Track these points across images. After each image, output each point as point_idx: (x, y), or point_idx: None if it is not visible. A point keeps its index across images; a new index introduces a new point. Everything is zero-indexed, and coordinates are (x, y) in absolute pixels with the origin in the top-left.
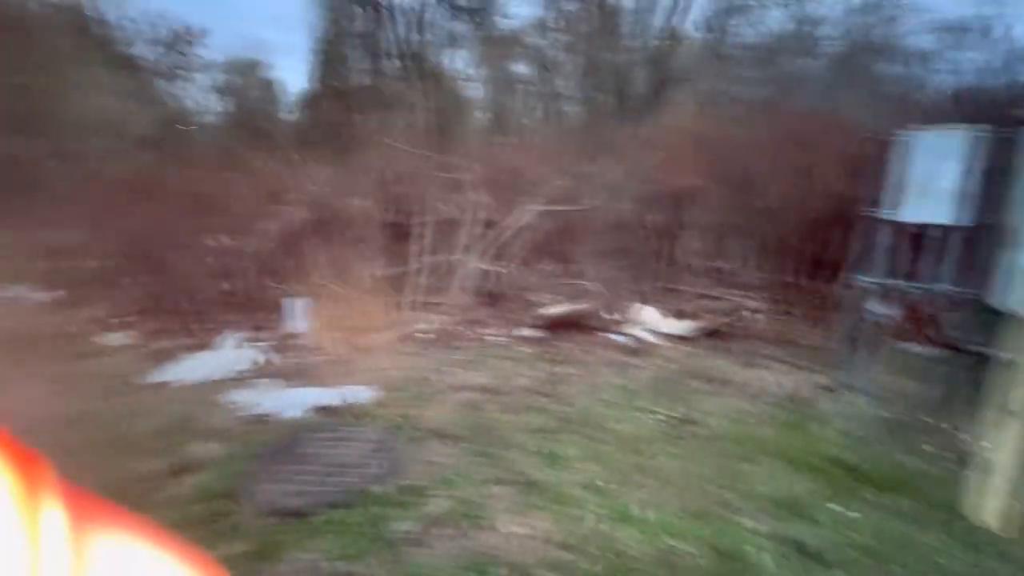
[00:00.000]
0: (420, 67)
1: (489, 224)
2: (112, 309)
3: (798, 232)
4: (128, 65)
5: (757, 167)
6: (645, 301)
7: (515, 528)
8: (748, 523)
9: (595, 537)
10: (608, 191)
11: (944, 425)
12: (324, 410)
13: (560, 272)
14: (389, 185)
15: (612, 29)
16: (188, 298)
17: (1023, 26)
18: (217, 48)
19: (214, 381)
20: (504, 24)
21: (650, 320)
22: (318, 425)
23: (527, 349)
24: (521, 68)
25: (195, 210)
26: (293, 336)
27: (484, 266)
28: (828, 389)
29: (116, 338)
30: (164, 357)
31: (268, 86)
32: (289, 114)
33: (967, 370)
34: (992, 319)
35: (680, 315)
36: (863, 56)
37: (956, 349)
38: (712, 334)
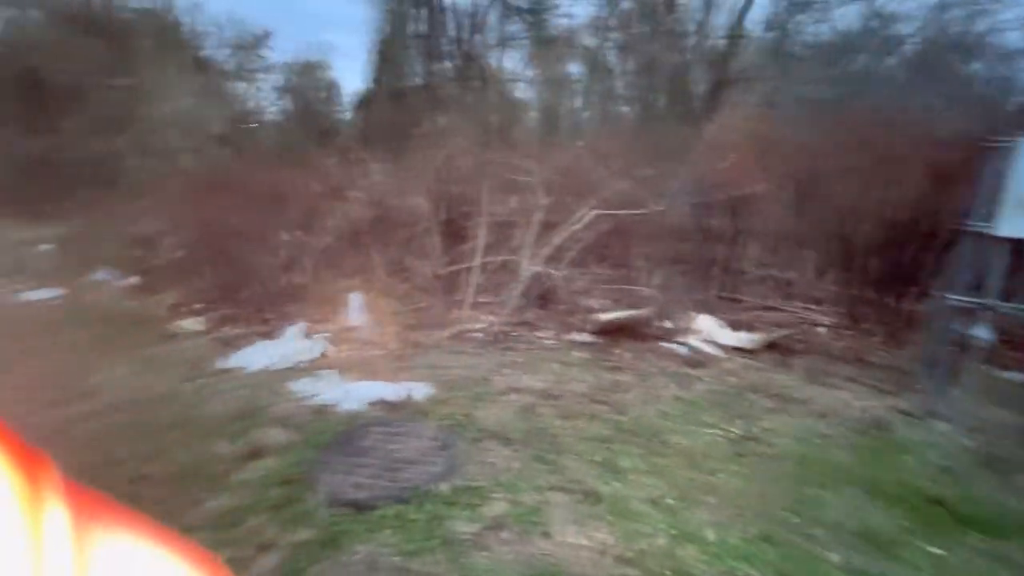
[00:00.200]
0: (475, 68)
1: (544, 225)
2: (187, 296)
3: (871, 243)
4: (203, 67)
5: (826, 172)
6: (703, 310)
7: (575, 538)
8: (821, 552)
9: (656, 553)
10: (665, 195)
11: None
12: (383, 404)
13: (615, 277)
14: (445, 184)
15: (670, 28)
16: (254, 288)
17: None
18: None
19: (278, 369)
20: (559, 24)
21: (708, 330)
22: (377, 419)
23: (581, 354)
24: (576, 68)
25: (261, 204)
26: (351, 329)
27: (538, 268)
28: (908, 415)
29: (190, 323)
30: (233, 344)
31: (328, 86)
32: (348, 114)
33: None
34: None
35: (740, 326)
36: (944, 55)
37: None
38: (775, 347)
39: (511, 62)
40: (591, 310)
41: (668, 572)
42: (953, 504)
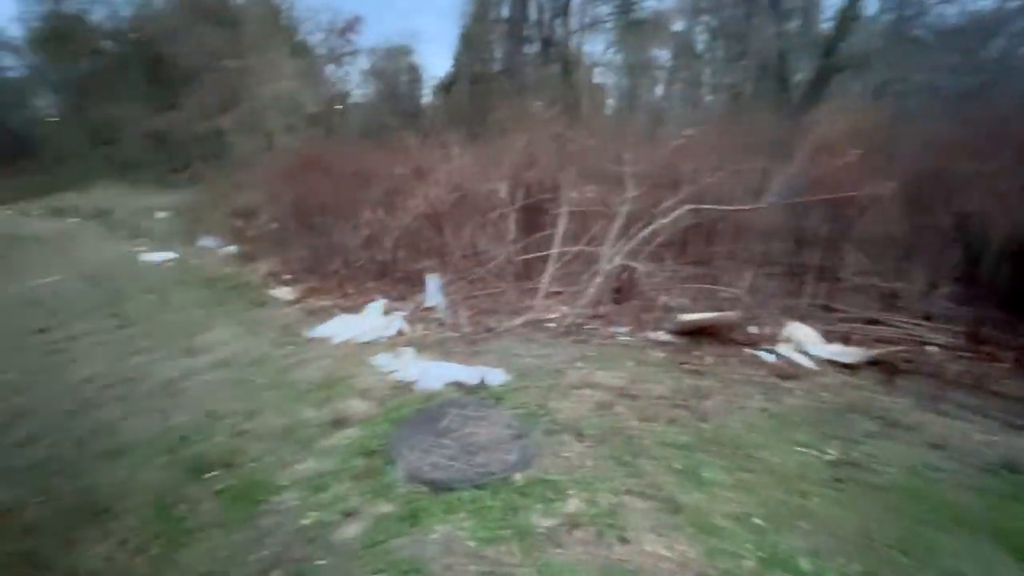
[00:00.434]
0: (558, 52)
1: (625, 217)
2: (279, 266)
3: (1001, 254)
4: (300, 51)
5: (949, 172)
6: (796, 318)
7: (656, 548)
8: None
9: None
10: (758, 191)
11: None
12: (460, 386)
13: (697, 275)
14: (525, 170)
15: (772, 10)
16: (340, 262)
17: None
18: (371, 35)
19: (360, 343)
20: (647, 6)
21: (804, 340)
22: (455, 401)
23: (661, 354)
24: (664, 54)
25: (347, 183)
26: (429, 309)
27: (617, 260)
28: None
29: (281, 292)
30: (318, 314)
31: (413, 70)
32: (431, 97)
33: None
34: None
35: (838, 338)
36: None
37: None
38: (881, 366)
39: (596, 47)
40: (671, 308)
41: None
42: None
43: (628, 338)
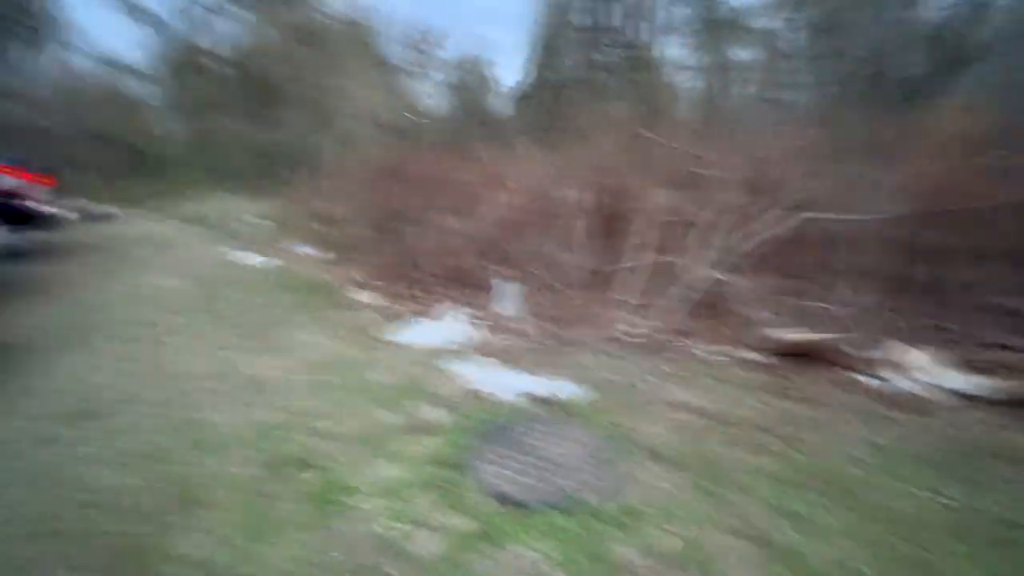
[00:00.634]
0: (637, 56)
1: (712, 225)
2: (363, 271)
3: None
4: (384, 65)
5: None
6: (911, 341)
7: None
8: None
9: None
10: (864, 198)
11: None
12: (535, 399)
13: (792, 290)
14: (604, 177)
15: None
16: (418, 269)
17: None
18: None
19: (436, 349)
20: (731, 5)
21: (919, 366)
22: (531, 414)
23: (750, 375)
24: (752, 53)
25: (426, 191)
26: (503, 318)
27: (703, 272)
28: None
29: (365, 296)
30: (398, 319)
31: (490, 80)
32: (508, 105)
33: None
34: None
35: (961, 364)
36: None
37: None
38: (1015, 401)
39: (675, 49)
40: (758, 324)
41: None
42: None
43: (715, 357)
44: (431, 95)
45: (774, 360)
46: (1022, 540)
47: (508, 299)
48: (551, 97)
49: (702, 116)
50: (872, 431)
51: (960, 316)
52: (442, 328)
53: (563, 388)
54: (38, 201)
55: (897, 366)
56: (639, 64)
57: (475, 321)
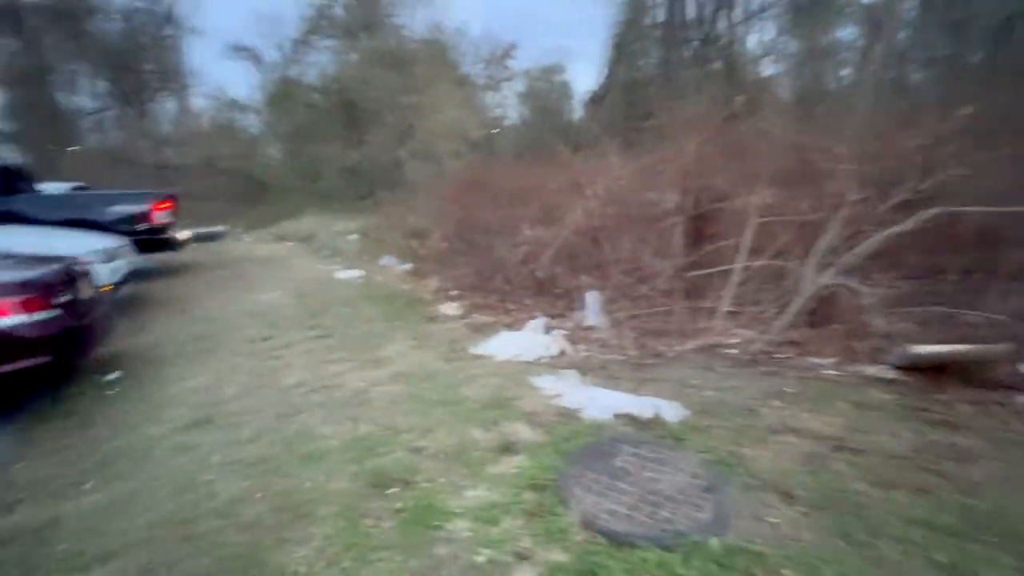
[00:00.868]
0: (719, 47)
1: (825, 224)
2: (446, 283)
3: None
4: (462, 82)
5: None
6: None
7: None
8: None
9: None
10: (1014, 185)
11: None
12: (634, 420)
13: (929, 295)
14: (695, 177)
15: None
16: (501, 279)
17: None
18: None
19: (522, 362)
20: None
21: None
22: (627, 436)
23: (886, 396)
24: (856, 31)
25: (506, 201)
26: (590, 328)
27: (818, 276)
28: None
29: (449, 308)
30: (482, 331)
31: (566, 86)
32: (587, 110)
33: None
34: None
35: None
36: None
37: None
38: None
39: (766, 35)
40: (891, 336)
41: None
42: None
43: (834, 372)
44: (510, 106)
45: (906, 376)
46: None
47: (597, 310)
48: (631, 98)
49: (803, 105)
50: None
51: None
52: (530, 340)
53: (665, 408)
54: (170, 228)
55: None
56: (725, 56)
57: (563, 332)
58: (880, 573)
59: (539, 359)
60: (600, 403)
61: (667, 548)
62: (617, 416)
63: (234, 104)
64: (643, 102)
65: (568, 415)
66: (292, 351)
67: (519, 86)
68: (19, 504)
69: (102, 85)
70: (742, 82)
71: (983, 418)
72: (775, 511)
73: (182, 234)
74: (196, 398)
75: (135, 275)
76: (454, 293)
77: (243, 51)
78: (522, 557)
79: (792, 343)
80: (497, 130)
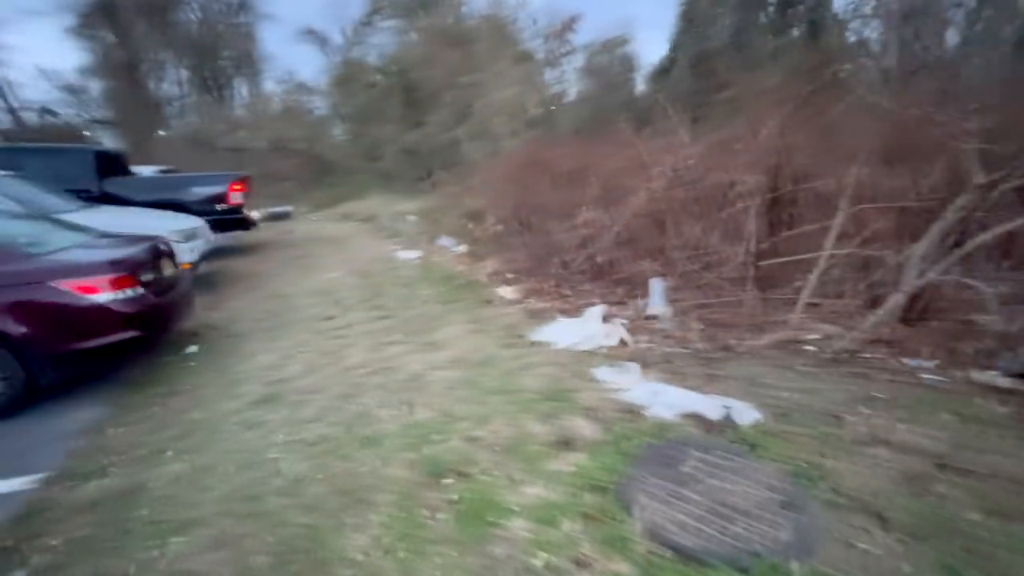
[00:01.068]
0: (807, 11)
1: (928, 209)
2: (502, 265)
3: None
4: (521, 58)
5: None
6: None
7: None
8: None
9: None
10: None
11: None
12: (704, 421)
13: None
14: (775, 155)
15: None
16: (558, 263)
17: None
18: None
19: (581, 352)
20: None
21: None
22: (696, 440)
23: (995, 407)
24: None
25: (565, 182)
26: (651, 318)
27: (917, 267)
28: None
29: (505, 292)
30: (539, 316)
31: (631, 59)
32: (655, 84)
33: None
34: None
35: None
36: None
37: None
38: None
39: None
40: (1006, 337)
41: None
42: None
43: (934, 376)
44: (572, 82)
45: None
46: None
47: (663, 298)
48: (701, 70)
49: (905, 73)
50: None
51: None
52: (589, 328)
53: (739, 411)
54: (244, 208)
55: None
56: (808, 20)
57: (623, 321)
58: None
59: (598, 349)
60: (664, 400)
61: (741, 569)
62: (683, 416)
63: (302, 87)
64: (714, 74)
65: (630, 411)
66: (353, 331)
67: (580, 60)
68: (111, 467)
69: (184, 73)
70: (828, 49)
71: None
72: (867, 536)
73: (254, 214)
74: (265, 374)
75: (212, 254)
76: (510, 276)
77: (311, 35)
78: (582, 565)
79: (882, 341)
80: (555, 107)
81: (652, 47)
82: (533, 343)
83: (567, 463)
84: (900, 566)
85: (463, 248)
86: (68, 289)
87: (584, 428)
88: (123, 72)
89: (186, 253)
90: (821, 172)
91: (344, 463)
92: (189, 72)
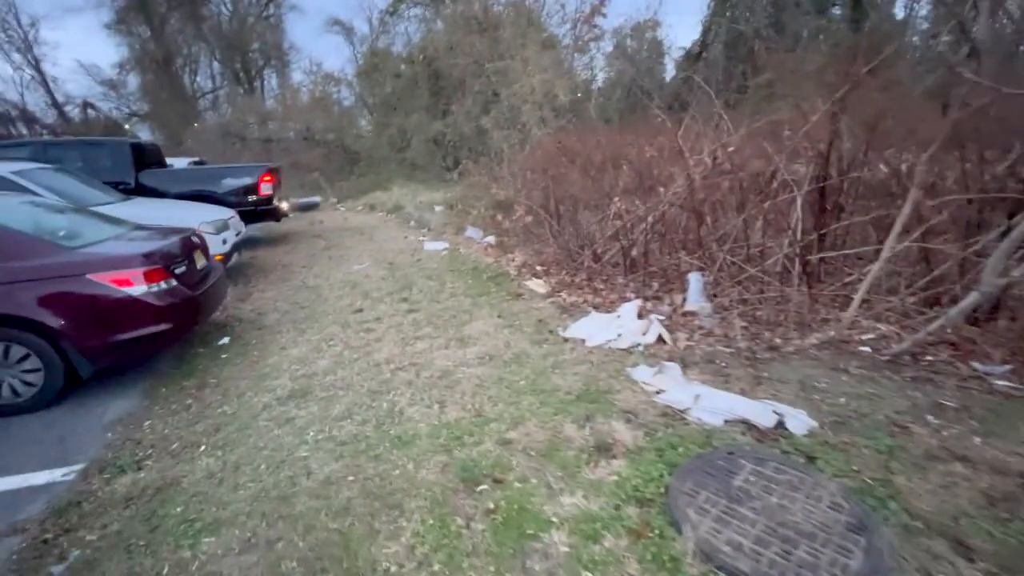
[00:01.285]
0: None
1: (981, 196)
2: (534, 257)
3: None
4: (549, 44)
5: None
6: None
7: None
8: None
9: None
10: None
11: None
12: (748, 427)
13: None
14: (820, 142)
15: None
16: (590, 255)
17: None
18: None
19: (616, 349)
20: None
21: None
22: (746, 450)
23: None
24: None
25: (595, 171)
26: (689, 314)
27: (990, 263)
28: None
29: (534, 284)
30: (570, 311)
31: (659, 45)
32: (688, 68)
33: None
34: None
35: None
36: None
37: None
38: None
39: None
40: None
41: None
42: None
43: (1010, 383)
44: (599, 68)
45: None
46: None
47: (696, 292)
48: (735, 54)
49: (990, 48)
50: None
51: None
52: (624, 324)
53: (792, 418)
54: (274, 199)
55: None
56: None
57: (659, 317)
58: None
59: (634, 346)
60: (709, 404)
61: None
62: (730, 422)
63: (329, 77)
64: (751, 57)
65: (671, 415)
66: (382, 324)
67: (609, 46)
68: (145, 461)
69: (216, 66)
70: (880, 28)
71: None
72: (950, 567)
73: (283, 205)
74: (295, 368)
75: (242, 244)
76: (540, 268)
77: (338, 25)
78: None
79: (946, 342)
80: (580, 94)
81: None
82: (566, 339)
83: (607, 471)
84: None
85: (491, 239)
86: (103, 281)
87: (623, 433)
88: (158, 66)
89: (218, 244)
90: (875, 160)
91: (375, 464)
92: (221, 65)
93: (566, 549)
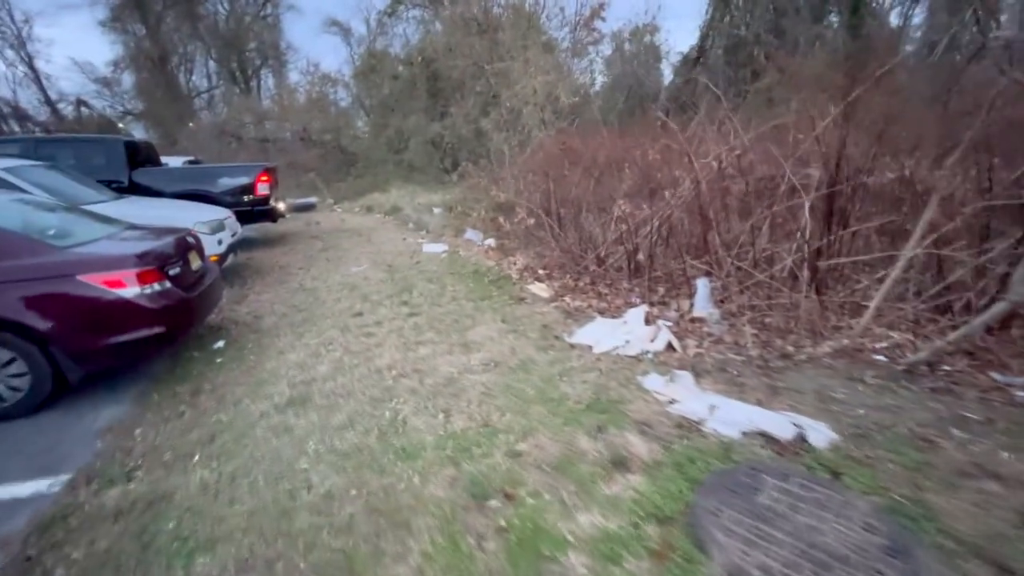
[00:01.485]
0: None
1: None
2: (536, 260)
3: None
4: (548, 47)
5: None
6: None
7: None
8: None
9: None
10: None
11: None
12: (767, 440)
13: None
14: (832, 147)
15: None
16: (593, 260)
17: None
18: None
19: (625, 356)
20: None
21: None
22: (768, 464)
23: None
24: None
25: (597, 174)
26: (697, 320)
27: (1008, 271)
28: None
29: (537, 288)
30: (575, 316)
31: (660, 47)
32: (689, 72)
33: None
34: None
35: None
36: None
37: None
38: None
39: None
40: None
41: None
42: None
43: None
44: (602, 71)
45: None
46: None
47: (704, 298)
48: (734, 58)
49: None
50: None
51: None
52: (631, 330)
53: (812, 430)
54: (271, 199)
55: None
56: (853, 5)
57: (670, 324)
58: None
59: (643, 354)
60: (725, 415)
61: None
62: (747, 434)
63: (326, 78)
64: (750, 62)
65: (687, 427)
66: (383, 329)
67: (608, 49)
68: (136, 472)
69: (213, 65)
70: (870, 35)
71: None
72: None
73: (280, 205)
74: (294, 374)
75: (239, 245)
76: (542, 272)
77: (335, 26)
78: None
79: (968, 352)
80: (582, 97)
81: (680, 36)
82: (572, 345)
83: (624, 487)
84: None
85: (491, 242)
86: (94, 283)
87: (638, 446)
88: (153, 64)
89: (213, 245)
90: (885, 165)
91: (379, 478)
92: (217, 64)
93: (584, 571)
